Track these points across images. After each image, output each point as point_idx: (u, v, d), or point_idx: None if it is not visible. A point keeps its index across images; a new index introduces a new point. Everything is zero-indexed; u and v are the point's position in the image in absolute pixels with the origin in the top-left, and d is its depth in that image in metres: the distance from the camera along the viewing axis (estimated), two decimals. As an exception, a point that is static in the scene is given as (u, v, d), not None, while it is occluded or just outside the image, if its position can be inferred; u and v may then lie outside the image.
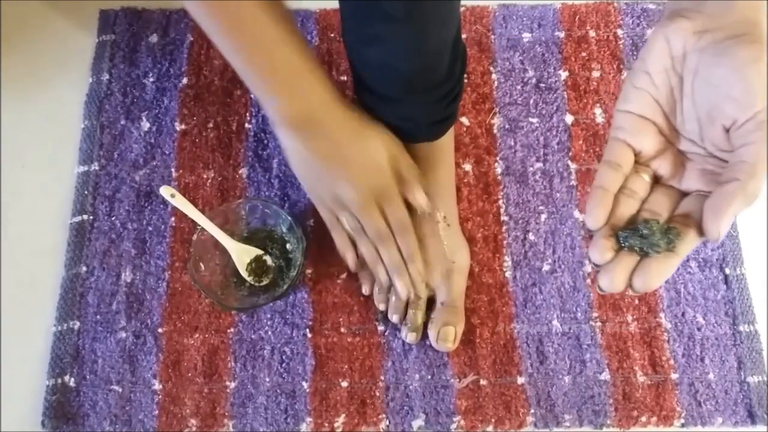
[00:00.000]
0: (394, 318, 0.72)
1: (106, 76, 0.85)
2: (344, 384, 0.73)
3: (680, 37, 0.41)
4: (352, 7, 0.55)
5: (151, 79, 0.85)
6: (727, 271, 0.76)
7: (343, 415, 0.71)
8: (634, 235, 0.40)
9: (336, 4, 0.59)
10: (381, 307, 0.73)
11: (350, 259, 0.68)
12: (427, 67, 0.59)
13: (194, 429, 0.71)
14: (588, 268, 0.76)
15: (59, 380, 0.73)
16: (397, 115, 0.66)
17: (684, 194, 0.43)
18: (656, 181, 0.44)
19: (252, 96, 0.84)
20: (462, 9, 0.88)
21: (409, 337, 0.71)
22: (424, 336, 0.73)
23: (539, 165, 0.80)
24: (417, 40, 0.55)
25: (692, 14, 0.41)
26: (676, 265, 0.40)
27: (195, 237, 0.73)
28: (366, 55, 0.60)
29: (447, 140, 0.75)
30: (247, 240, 0.76)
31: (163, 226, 0.79)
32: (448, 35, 0.58)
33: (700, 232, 0.40)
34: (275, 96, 0.58)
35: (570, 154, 0.81)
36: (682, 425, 0.71)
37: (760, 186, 0.38)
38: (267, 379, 0.73)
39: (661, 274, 0.40)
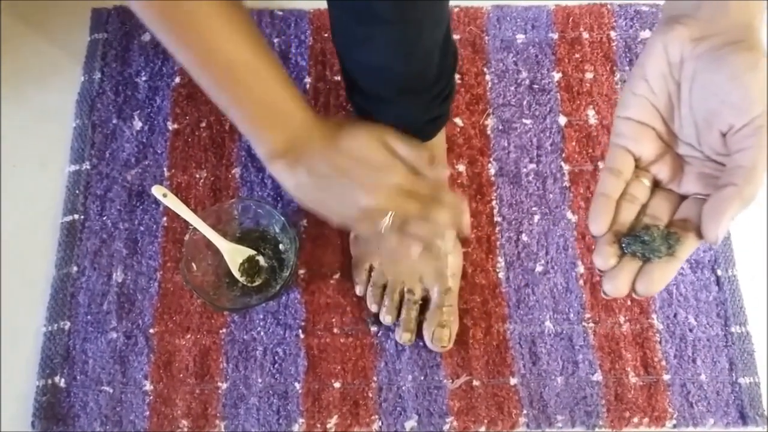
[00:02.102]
0: (387, 319, 0.72)
1: (98, 75, 0.85)
2: (337, 385, 0.72)
3: (677, 44, 0.41)
4: (342, 9, 0.55)
5: (144, 78, 0.85)
6: (719, 272, 0.76)
7: (336, 416, 0.71)
8: (636, 242, 0.41)
9: (330, 4, 0.59)
10: (373, 308, 0.73)
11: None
12: (417, 67, 0.59)
13: (185, 430, 0.71)
14: (581, 269, 0.76)
15: (49, 381, 0.72)
16: (390, 116, 0.65)
17: (683, 198, 0.44)
18: (656, 185, 0.45)
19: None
20: (456, 10, 0.88)
21: (403, 337, 0.71)
22: (418, 337, 0.73)
23: (532, 166, 0.80)
24: (408, 40, 0.55)
25: (688, 20, 0.42)
26: (677, 269, 0.41)
27: (187, 237, 0.73)
28: (357, 57, 0.60)
29: (439, 140, 0.75)
30: (240, 240, 0.75)
31: (154, 226, 0.78)
32: (438, 35, 0.58)
33: (699, 235, 0.41)
34: (265, 133, 0.56)
35: (563, 155, 0.81)
36: (674, 426, 0.71)
37: (757, 190, 0.39)
38: (259, 380, 0.72)
39: (663, 278, 0.41)
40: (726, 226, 0.39)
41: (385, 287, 0.73)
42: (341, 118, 0.59)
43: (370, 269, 0.73)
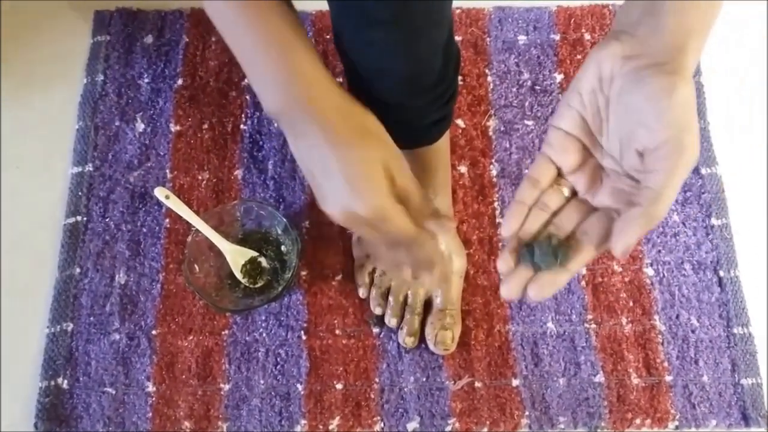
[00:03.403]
0: (392, 322, 0.72)
1: (100, 77, 0.85)
2: (339, 386, 0.72)
3: (610, 60, 0.42)
4: (342, 11, 0.55)
5: (146, 80, 0.85)
6: (722, 273, 0.76)
7: (338, 418, 0.71)
8: (530, 252, 0.44)
9: (332, 6, 0.59)
10: (378, 311, 0.73)
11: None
12: (419, 69, 0.59)
13: (188, 431, 0.71)
14: (582, 271, 0.76)
15: (52, 382, 0.72)
16: (392, 119, 0.65)
17: (595, 209, 0.45)
18: (574, 194, 0.46)
19: (247, 97, 0.84)
20: (458, 11, 0.88)
21: (407, 341, 0.71)
22: (420, 339, 0.73)
23: (534, 167, 0.80)
24: (408, 42, 0.55)
25: (626, 37, 0.42)
26: (566, 279, 0.44)
27: (189, 238, 0.73)
28: (358, 59, 0.60)
29: (443, 143, 0.75)
30: (242, 242, 0.75)
31: (157, 228, 0.78)
32: (440, 37, 0.58)
33: (597, 248, 0.44)
34: (266, 77, 0.50)
35: (565, 156, 0.81)
36: (676, 427, 0.71)
37: (662, 213, 0.40)
38: (261, 381, 0.73)
39: (552, 286, 0.43)
40: (631, 243, 0.41)
41: (388, 290, 0.73)
42: (366, 111, 0.55)
43: (373, 272, 0.74)
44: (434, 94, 0.64)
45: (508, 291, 0.44)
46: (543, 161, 0.46)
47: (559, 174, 0.46)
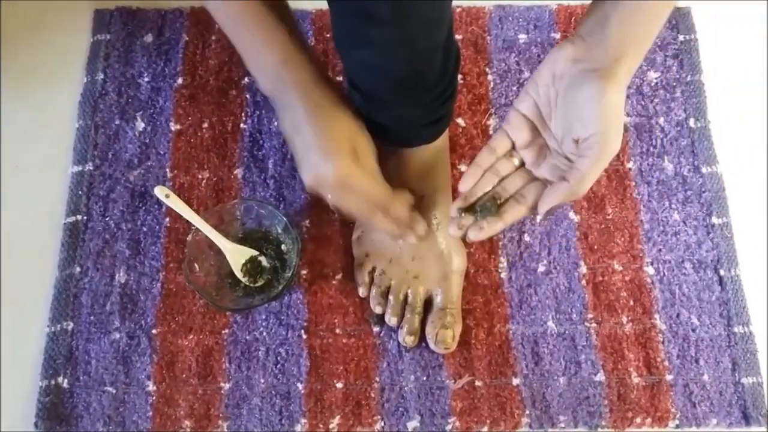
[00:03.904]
0: (392, 321, 0.72)
1: (100, 76, 0.85)
2: (339, 385, 0.72)
3: (562, 61, 0.52)
4: (342, 9, 0.55)
5: (146, 79, 0.85)
6: (722, 272, 0.76)
7: (338, 417, 0.71)
8: (476, 205, 0.59)
9: (332, 5, 0.59)
10: (378, 310, 0.73)
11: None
12: (418, 68, 0.59)
13: (188, 430, 0.71)
14: (583, 269, 0.76)
15: (52, 381, 0.72)
16: (391, 117, 0.65)
17: (536, 178, 0.58)
18: (522, 164, 0.59)
19: (247, 96, 0.84)
20: (458, 10, 0.88)
21: (407, 340, 0.71)
22: (420, 338, 0.73)
23: (535, 166, 0.80)
24: (407, 41, 0.55)
25: (579, 42, 0.52)
26: (500, 228, 0.58)
27: (190, 237, 0.73)
28: (357, 57, 0.60)
29: (443, 142, 0.75)
30: (242, 241, 0.75)
31: (157, 227, 0.78)
32: (439, 36, 0.58)
33: (530, 210, 0.57)
34: (259, 65, 0.60)
35: (565, 155, 0.81)
36: (677, 426, 0.71)
37: (584, 189, 0.53)
38: (262, 381, 0.73)
39: (487, 231, 0.58)
40: (551, 206, 0.54)
41: (388, 289, 0.73)
42: (340, 97, 0.63)
43: (373, 270, 0.74)
44: (434, 93, 0.64)
45: (454, 231, 0.59)
46: (501, 135, 0.59)
47: (513, 147, 0.58)
